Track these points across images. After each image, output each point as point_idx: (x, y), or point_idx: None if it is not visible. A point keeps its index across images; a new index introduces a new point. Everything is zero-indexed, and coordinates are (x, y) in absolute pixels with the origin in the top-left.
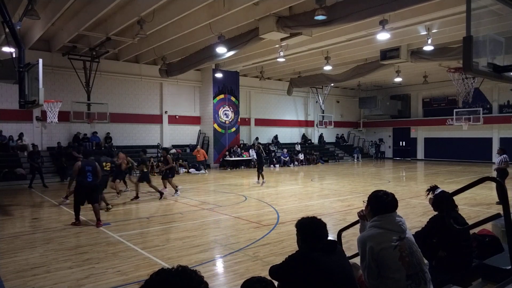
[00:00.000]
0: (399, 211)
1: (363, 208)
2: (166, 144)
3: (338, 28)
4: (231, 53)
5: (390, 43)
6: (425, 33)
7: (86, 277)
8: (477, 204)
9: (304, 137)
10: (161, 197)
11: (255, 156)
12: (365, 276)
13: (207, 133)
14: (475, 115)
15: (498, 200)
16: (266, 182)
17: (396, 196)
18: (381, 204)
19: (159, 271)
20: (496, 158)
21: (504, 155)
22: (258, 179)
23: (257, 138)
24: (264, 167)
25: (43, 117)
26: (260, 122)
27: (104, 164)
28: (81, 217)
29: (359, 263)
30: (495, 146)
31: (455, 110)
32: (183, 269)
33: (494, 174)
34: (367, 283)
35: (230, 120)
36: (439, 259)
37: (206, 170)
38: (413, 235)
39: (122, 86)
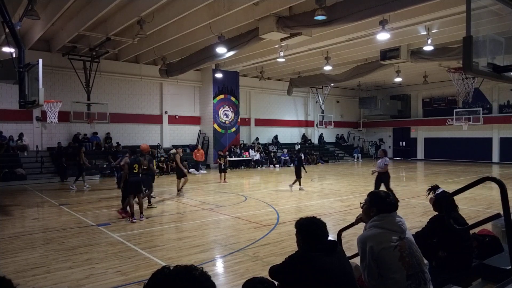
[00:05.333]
0: (399, 211)
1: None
2: (166, 144)
3: (338, 28)
4: (231, 53)
5: (390, 43)
6: (425, 33)
7: (86, 277)
8: (477, 204)
9: (304, 137)
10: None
11: (295, 162)
12: (365, 276)
13: (207, 133)
14: (475, 115)
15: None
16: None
17: (396, 196)
18: (385, 204)
19: (163, 268)
20: (378, 161)
21: (386, 158)
22: (300, 184)
23: (257, 139)
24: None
25: (43, 117)
26: (260, 122)
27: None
28: (81, 218)
29: (359, 263)
30: (495, 146)
31: (455, 110)
32: (189, 269)
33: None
34: (367, 283)
35: (230, 120)
36: (439, 259)
37: (205, 170)
38: (413, 235)
39: (122, 86)
